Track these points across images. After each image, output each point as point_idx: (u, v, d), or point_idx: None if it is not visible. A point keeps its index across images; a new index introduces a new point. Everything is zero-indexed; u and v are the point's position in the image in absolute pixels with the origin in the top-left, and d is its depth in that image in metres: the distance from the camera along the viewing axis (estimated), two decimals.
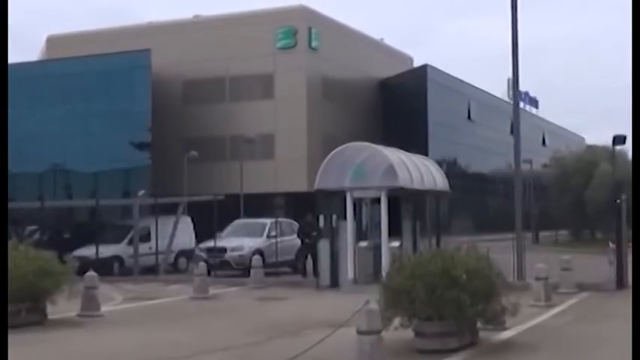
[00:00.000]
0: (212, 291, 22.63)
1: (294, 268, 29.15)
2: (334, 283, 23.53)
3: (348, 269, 23.20)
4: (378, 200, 23.10)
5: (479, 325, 12.84)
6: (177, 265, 31.26)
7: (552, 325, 15.68)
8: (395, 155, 23.46)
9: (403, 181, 22.55)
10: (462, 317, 12.12)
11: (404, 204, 23.69)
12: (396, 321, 12.24)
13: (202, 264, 22.55)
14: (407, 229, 23.49)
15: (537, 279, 18.98)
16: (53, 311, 16.63)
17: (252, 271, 24.88)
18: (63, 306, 16.73)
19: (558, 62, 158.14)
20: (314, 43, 53.24)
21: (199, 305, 20.42)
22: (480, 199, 68.51)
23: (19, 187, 48.88)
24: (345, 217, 23.32)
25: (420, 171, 23.88)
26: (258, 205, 43.57)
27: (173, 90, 55.32)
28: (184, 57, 54.79)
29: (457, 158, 64.37)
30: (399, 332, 12.18)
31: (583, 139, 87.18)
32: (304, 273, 27.33)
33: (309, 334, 14.17)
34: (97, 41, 55.68)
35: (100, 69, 53.95)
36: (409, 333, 12.43)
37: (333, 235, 23.81)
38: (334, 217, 23.83)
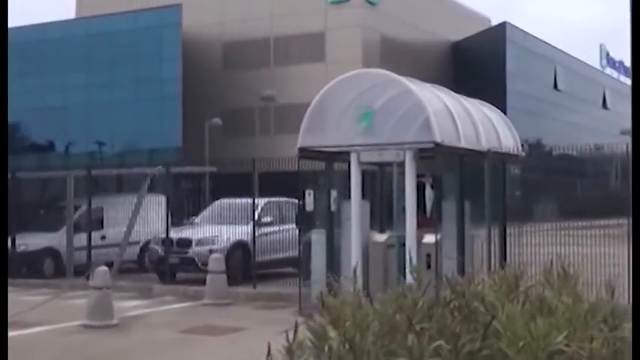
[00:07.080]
0: (132, 312, 14.17)
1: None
2: None
3: (356, 279, 14.27)
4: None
5: None
6: (143, 261, 22.05)
7: None
8: (431, 94, 14.29)
9: (443, 134, 13.13)
10: None
11: (446, 173, 14.40)
12: None
13: (103, 269, 13.63)
14: (449, 215, 13.77)
15: None
16: None
17: (208, 279, 16.04)
18: None
19: None
20: None
21: (78, 344, 11.70)
22: (568, 181, 59.71)
23: (36, 164, 42.64)
24: (349, 196, 14.45)
25: (473, 122, 14.51)
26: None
27: (211, 53, 50.79)
28: (224, 16, 50.34)
29: (541, 134, 55.46)
30: None
31: None
32: (305, 278, 17.85)
33: None
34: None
35: (125, 29, 48.13)
36: None
37: (332, 223, 14.94)
38: (333, 194, 14.92)
